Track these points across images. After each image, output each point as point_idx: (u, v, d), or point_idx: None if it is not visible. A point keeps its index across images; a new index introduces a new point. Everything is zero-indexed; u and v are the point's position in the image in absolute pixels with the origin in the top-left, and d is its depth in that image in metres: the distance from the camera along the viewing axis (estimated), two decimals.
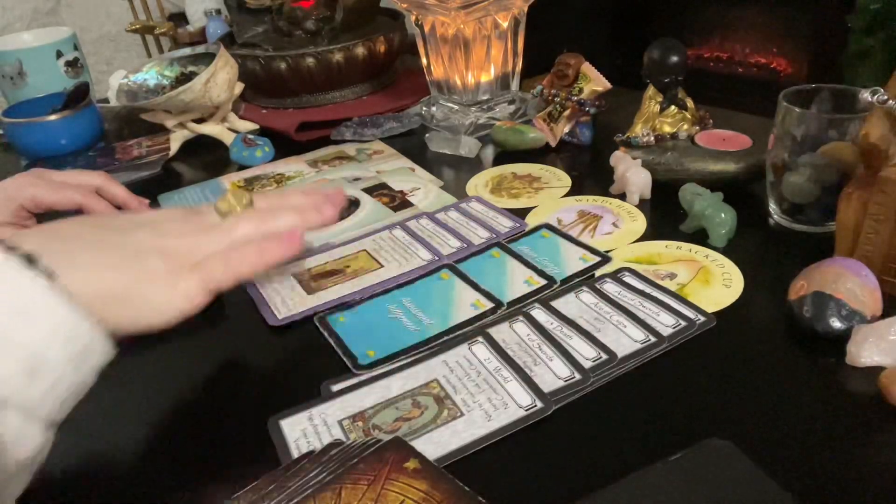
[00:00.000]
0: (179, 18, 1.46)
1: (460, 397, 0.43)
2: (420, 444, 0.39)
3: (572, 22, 0.93)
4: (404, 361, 0.46)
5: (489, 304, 0.51)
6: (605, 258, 0.55)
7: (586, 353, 0.45)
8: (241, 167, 0.80)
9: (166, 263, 0.39)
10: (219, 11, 1.27)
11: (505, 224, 0.62)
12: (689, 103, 0.67)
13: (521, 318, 0.49)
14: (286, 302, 0.54)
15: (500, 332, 0.48)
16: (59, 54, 1.00)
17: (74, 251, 0.37)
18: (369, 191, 0.70)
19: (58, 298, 0.33)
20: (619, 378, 0.44)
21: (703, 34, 0.90)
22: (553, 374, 0.44)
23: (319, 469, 0.35)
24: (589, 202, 0.64)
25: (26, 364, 0.32)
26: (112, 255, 0.38)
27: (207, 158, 0.84)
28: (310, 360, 0.49)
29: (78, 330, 0.34)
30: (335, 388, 0.45)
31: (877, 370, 0.41)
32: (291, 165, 0.78)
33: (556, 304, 0.50)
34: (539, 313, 0.50)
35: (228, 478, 0.39)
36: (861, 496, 0.35)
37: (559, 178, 0.70)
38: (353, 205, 0.68)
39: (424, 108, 0.86)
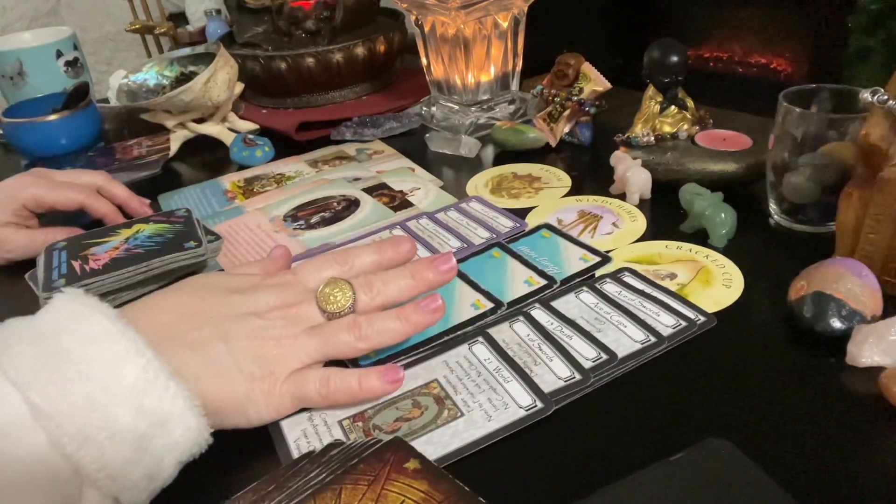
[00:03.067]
0: (179, 18, 1.46)
1: (460, 397, 0.43)
2: (420, 445, 0.39)
3: (572, 22, 0.93)
4: (404, 361, 0.46)
5: (489, 304, 0.51)
6: (606, 258, 0.55)
7: (586, 354, 0.45)
8: (241, 167, 0.80)
9: (262, 370, 0.40)
10: (219, 11, 1.28)
11: (505, 224, 0.62)
12: (689, 103, 0.67)
13: (521, 318, 0.49)
14: None
15: (500, 332, 0.48)
16: (59, 54, 1.00)
17: (179, 358, 0.38)
18: (369, 191, 0.70)
19: (192, 412, 0.36)
20: (619, 378, 0.44)
21: (703, 34, 0.90)
22: (553, 374, 0.44)
23: (319, 469, 0.35)
24: (589, 202, 0.64)
25: (151, 470, 0.35)
26: (216, 364, 0.39)
27: (207, 158, 0.84)
28: None
29: (198, 440, 0.37)
30: None
31: (877, 370, 0.41)
32: (291, 165, 0.78)
33: (556, 304, 0.50)
34: (539, 313, 0.50)
35: (228, 478, 0.39)
36: (861, 496, 0.35)
37: (559, 178, 0.70)
38: (353, 205, 0.68)
39: (424, 108, 0.86)
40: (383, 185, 0.71)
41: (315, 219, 0.66)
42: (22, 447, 0.32)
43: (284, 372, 0.41)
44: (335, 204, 0.68)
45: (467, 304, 0.51)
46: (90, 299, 0.37)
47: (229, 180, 0.77)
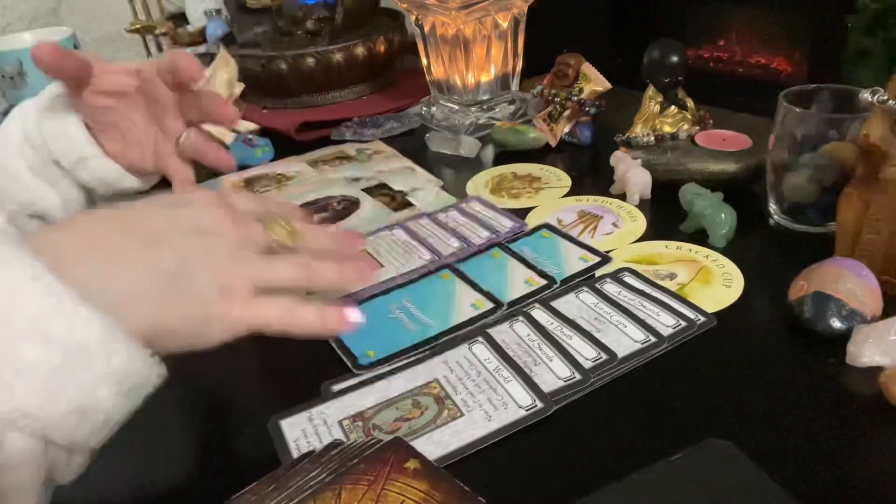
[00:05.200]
0: (179, 18, 1.46)
1: (460, 397, 0.43)
2: (420, 444, 0.39)
3: (572, 22, 0.93)
4: (404, 361, 0.46)
5: (489, 305, 0.51)
6: (606, 258, 0.55)
7: (586, 354, 0.45)
8: (241, 167, 0.80)
9: (220, 293, 0.37)
10: (219, 11, 1.27)
11: (505, 224, 0.62)
12: (689, 103, 0.67)
13: (521, 318, 0.49)
14: None
15: (500, 333, 0.48)
16: None
17: (126, 279, 0.35)
18: (369, 191, 0.70)
19: (115, 338, 0.32)
20: (619, 378, 0.44)
21: (703, 34, 0.90)
22: (553, 374, 0.44)
23: (319, 469, 0.35)
24: (589, 202, 0.64)
25: (78, 405, 0.31)
26: (170, 284, 0.36)
27: None
28: (310, 360, 0.49)
29: (134, 367, 0.33)
30: (335, 388, 0.45)
31: (877, 370, 0.41)
32: (291, 165, 0.78)
33: (556, 304, 0.50)
34: (539, 313, 0.50)
35: (228, 478, 0.39)
36: (861, 496, 0.35)
37: (559, 178, 0.70)
38: (353, 205, 0.68)
39: (424, 108, 0.86)
40: (383, 185, 0.71)
41: (315, 219, 0.66)
42: None
43: (241, 294, 0.37)
44: (335, 204, 0.68)
45: (467, 304, 0.51)
46: None
47: (229, 180, 0.76)
